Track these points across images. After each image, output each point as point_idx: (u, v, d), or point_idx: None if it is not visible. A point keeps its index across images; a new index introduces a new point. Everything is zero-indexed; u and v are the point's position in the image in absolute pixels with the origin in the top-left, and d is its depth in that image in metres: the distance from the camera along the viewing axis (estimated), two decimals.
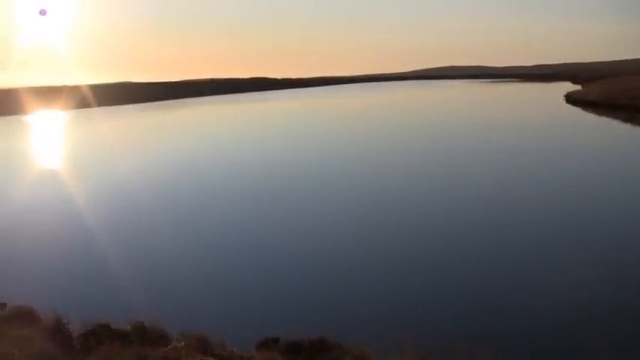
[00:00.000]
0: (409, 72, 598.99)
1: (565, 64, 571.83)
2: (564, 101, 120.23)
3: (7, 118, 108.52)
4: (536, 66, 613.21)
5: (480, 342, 15.00)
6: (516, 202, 31.56)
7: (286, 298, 19.20)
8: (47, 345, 12.70)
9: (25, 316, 14.92)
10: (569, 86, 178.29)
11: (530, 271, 20.89)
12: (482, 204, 31.32)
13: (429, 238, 25.52)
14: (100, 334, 13.52)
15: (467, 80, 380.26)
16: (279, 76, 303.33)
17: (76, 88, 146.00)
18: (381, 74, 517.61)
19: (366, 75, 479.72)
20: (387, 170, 43.28)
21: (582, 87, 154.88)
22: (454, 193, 34.24)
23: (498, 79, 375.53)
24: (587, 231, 25.48)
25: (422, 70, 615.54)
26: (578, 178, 37.93)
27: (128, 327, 14.00)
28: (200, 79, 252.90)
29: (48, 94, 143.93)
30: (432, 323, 16.82)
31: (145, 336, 13.55)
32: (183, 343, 13.08)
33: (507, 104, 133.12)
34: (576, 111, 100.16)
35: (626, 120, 78.98)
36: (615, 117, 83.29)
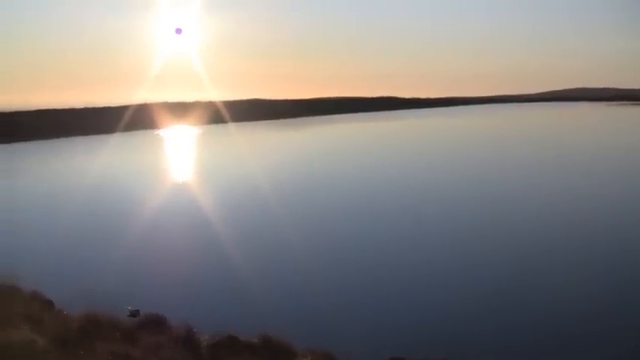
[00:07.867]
0: (536, 94, 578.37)
1: None
2: None
3: (148, 131, 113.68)
4: None
5: None
6: None
7: (409, 319, 18.72)
8: (177, 353, 12.94)
9: (157, 323, 15.37)
10: None
11: None
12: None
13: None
14: (228, 346, 13.65)
15: (599, 102, 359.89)
16: (406, 95, 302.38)
17: (210, 104, 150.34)
18: (507, 95, 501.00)
19: (492, 96, 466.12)
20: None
21: None
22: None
23: (633, 102, 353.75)
24: None
25: (549, 92, 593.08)
26: None
27: (256, 340, 14.05)
28: (329, 97, 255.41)
29: (183, 109, 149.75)
30: (558, 344, 16.31)
31: (271, 349, 13.53)
32: (309, 358, 12.97)
33: None
34: None
35: None
36: None
